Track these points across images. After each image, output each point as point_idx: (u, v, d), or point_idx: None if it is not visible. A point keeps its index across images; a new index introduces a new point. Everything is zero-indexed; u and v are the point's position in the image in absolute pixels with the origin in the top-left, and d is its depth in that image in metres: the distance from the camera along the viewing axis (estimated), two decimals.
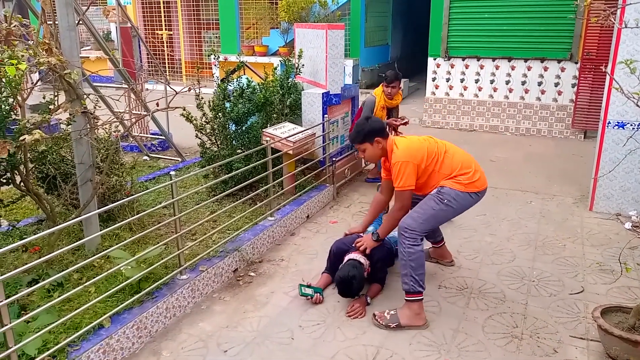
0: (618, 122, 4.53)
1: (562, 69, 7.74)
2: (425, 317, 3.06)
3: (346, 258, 3.34)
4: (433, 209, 3.05)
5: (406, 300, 3.05)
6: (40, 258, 2.68)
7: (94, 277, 2.84)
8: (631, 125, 4.47)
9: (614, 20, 4.11)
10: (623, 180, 4.63)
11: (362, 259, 3.31)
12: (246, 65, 5.89)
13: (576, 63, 7.58)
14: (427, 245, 3.76)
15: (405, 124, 5.28)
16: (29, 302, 2.97)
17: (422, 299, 3.04)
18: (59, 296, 2.80)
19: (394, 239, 3.87)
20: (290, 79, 5.38)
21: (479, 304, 3.30)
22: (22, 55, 2.69)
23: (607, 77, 4.66)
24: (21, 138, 2.77)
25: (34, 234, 3.67)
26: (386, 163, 3.32)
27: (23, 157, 3.24)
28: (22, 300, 2.93)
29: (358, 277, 3.17)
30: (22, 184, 3.39)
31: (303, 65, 5.55)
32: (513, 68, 8.03)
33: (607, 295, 3.38)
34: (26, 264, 2.58)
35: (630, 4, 4.15)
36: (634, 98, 2.53)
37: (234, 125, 4.75)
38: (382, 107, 5.27)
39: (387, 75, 5.17)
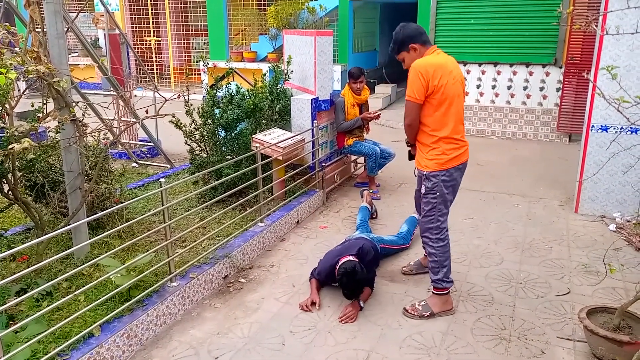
0: (602, 126, 4.62)
1: (547, 74, 7.87)
2: (452, 302, 3.24)
3: (339, 264, 3.35)
4: (435, 200, 3.11)
5: (434, 294, 3.23)
6: (28, 267, 2.68)
7: (84, 286, 2.83)
8: (614, 128, 4.56)
9: (596, 27, 4.20)
10: (607, 182, 4.71)
11: (354, 259, 3.33)
12: (235, 71, 5.92)
13: (560, 68, 7.71)
14: (421, 256, 3.80)
15: (377, 117, 5.45)
16: (17, 311, 2.94)
17: (449, 292, 3.22)
18: (48, 305, 2.79)
19: (377, 239, 3.91)
20: (279, 85, 5.41)
21: (468, 306, 3.34)
22: (11, 64, 2.68)
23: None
24: (10, 147, 2.76)
25: (22, 243, 3.64)
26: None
27: (11, 165, 3.22)
28: (11, 310, 2.90)
29: (359, 267, 3.23)
30: (10, 192, 3.37)
31: (292, 71, 5.59)
32: (499, 73, 8.14)
33: (592, 296, 3.44)
34: (14, 273, 2.57)
35: (612, 11, 4.25)
36: (615, 103, 2.59)
37: (223, 131, 4.75)
38: (352, 104, 5.44)
39: (353, 72, 5.39)
